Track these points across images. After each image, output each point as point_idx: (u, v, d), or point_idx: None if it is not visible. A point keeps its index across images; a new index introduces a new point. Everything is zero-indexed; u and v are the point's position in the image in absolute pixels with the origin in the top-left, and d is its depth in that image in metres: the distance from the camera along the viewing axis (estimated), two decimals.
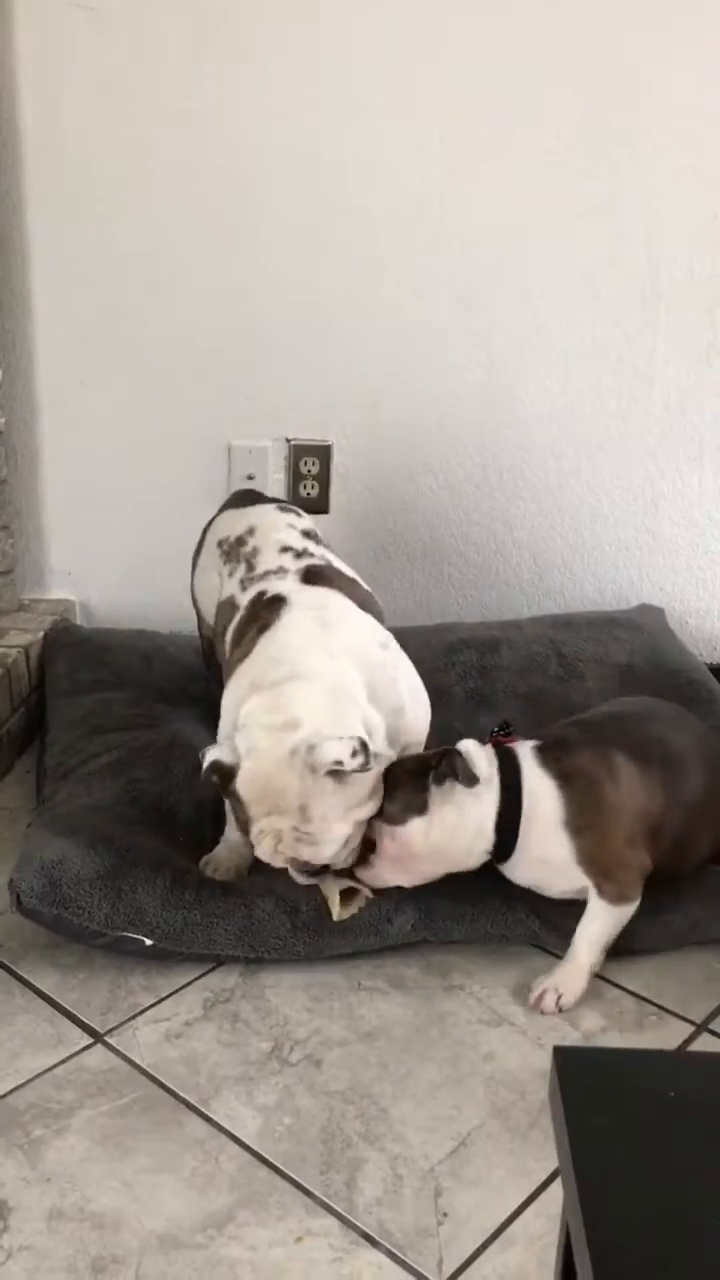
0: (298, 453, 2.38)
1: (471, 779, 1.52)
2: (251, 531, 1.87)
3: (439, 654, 2.19)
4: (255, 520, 1.90)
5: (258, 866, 1.63)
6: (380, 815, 1.55)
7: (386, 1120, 1.39)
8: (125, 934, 1.59)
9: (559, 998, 1.55)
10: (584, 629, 2.26)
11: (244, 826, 1.55)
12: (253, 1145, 1.35)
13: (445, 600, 2.47)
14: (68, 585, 2.47)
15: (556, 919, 1.64)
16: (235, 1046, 1.50)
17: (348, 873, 1.59)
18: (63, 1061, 1.47)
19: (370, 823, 1.55)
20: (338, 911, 1.59)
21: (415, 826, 1.54)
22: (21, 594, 2.45)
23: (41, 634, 2.31)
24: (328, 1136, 1.37)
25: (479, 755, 1.55)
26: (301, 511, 1.98)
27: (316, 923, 1.61)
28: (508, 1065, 1.48)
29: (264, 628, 1.65)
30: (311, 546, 1.84)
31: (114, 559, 2.44)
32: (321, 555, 1.83)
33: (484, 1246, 1.24)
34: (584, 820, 1.54)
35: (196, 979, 1.61)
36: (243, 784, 1.50)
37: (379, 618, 1.77)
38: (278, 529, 1.86)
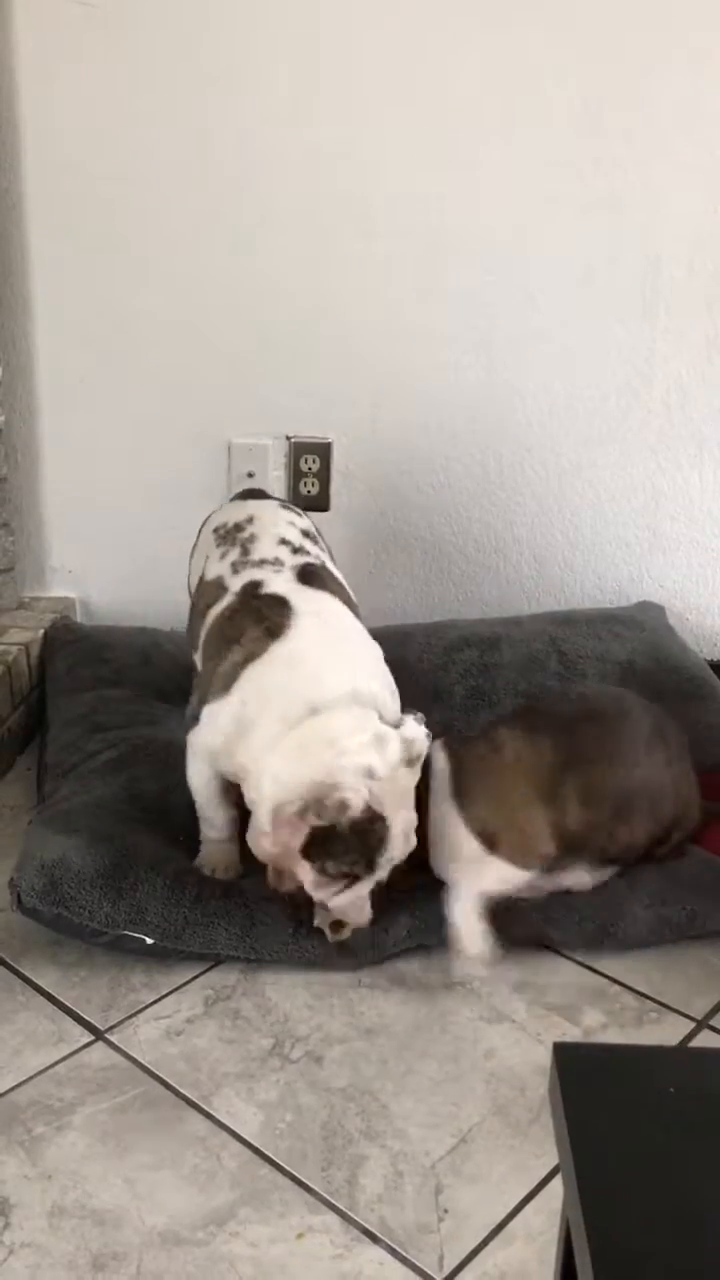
0: (298, 450, 2.38)
1: None
2: (251, 520, 1.87)
3: (439, 652, 2.19)
4: (255, 511, 1.90)
5: (258, 867, 1.63)
6: None
7: (387, 1117, 1.39)
8: (126, 933, 1.59)
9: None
10: (584, 626, 2.25)
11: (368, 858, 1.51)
12: (254, 1142, 1.36)
13: (445, 597, 2.47)
14: (68, 583, 2.47)
15: (556, 916, 1.65)
16: (236, 1043, 1.50)
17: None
18: (64, 1059, 1.47)
19: None
20: (331, 935, 1.58)
21: None
22: (22, 592, 2.45)
23: (42, 632, 2.31)
24: (329, 1133, 1.37)
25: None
26: (303, 513, 1.98)
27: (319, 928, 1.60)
28: (508, 1062, 1.48)
29: (273, 631, 1.63)
30: (309, 545, 1.84)
31: (114, 557, 2.44)
32: (317, 556, 1.83)
33: (485, 1243, 1.24)
34: (466, 785, 1.63)
35: (198, 976, 1.61)
36: (384, 801, 1.50)
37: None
38: (277, 523, 1.86)
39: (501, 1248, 1.24)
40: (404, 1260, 1.22)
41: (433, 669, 2.16)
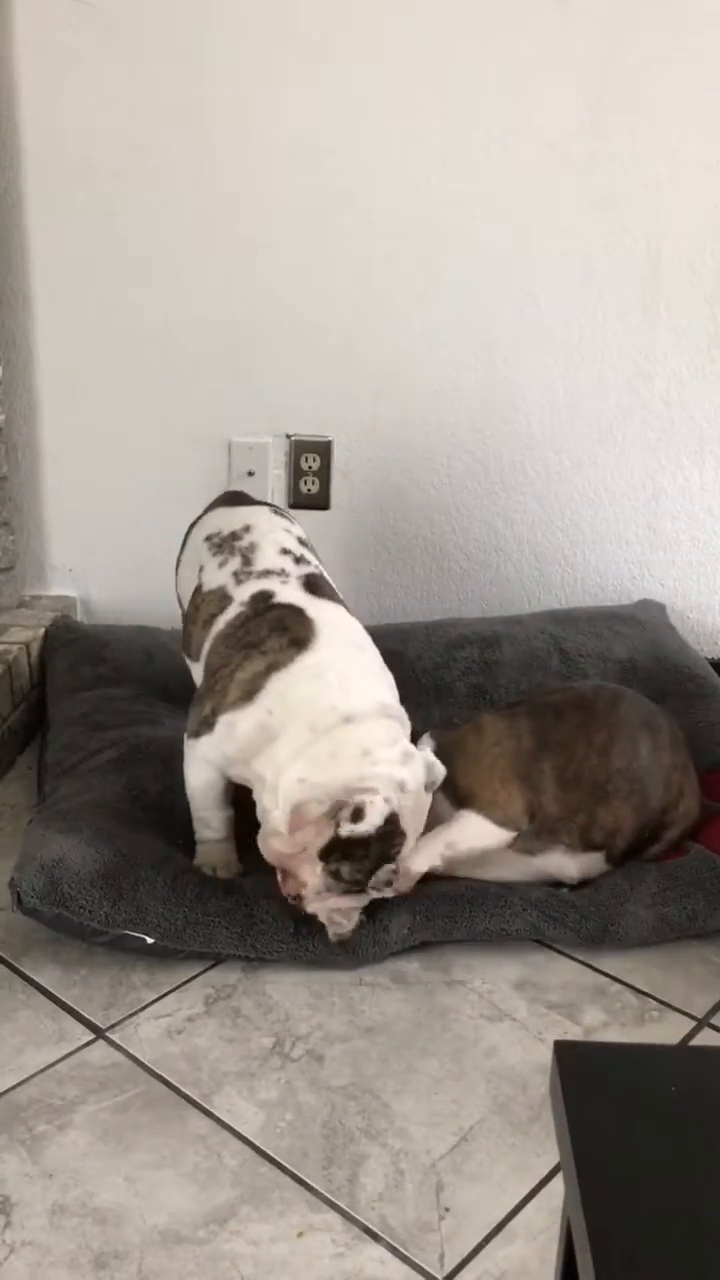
0: (298, 449, 2.38)
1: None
2: (248, 529, 1.86)
3: (440, 650, 2.19)
4: (250, 519, 1.89)
5: (258, 866, 1.64)
6: None
7: (388, 1115, 1.39)
8: (126, 932, 1.59)
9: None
10: (585, 624, 2.26)
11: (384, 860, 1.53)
12: (254, 1141, 1.36)
13: (446, 596, 2.47)
14: (68, 582, 2.48)
15: (556, 912, 1.65)
16: (237, 1042, 1.50)
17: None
18: (65, 1057, 1.47)
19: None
20: (332, 933, 1.59)
21: None
22: (22, 590, 2.45)
23: (42, 630, 2.31)
24: (329, 1132, 1.37)
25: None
26: (292, 514, 1.98)
27: (319, 927, 1.60)
28: (509, 1060, 1.48)
29: (298, 641, 1.63)
30: (307, 554, 1.84)
31: (114, 555, 2.44)
32: (316, 565, 1.83)
33: (485, 1241, 1.24)
34: (447, 764, 1.65)
35: (198, 975, 1.61)
36: (406, 818, 1.53)
37: None
38: (275, 530, 1.85)
39: (502, 1246, 1.24)
40: (405, 1259, 1.22)
41: (433, 667, 2.17)
